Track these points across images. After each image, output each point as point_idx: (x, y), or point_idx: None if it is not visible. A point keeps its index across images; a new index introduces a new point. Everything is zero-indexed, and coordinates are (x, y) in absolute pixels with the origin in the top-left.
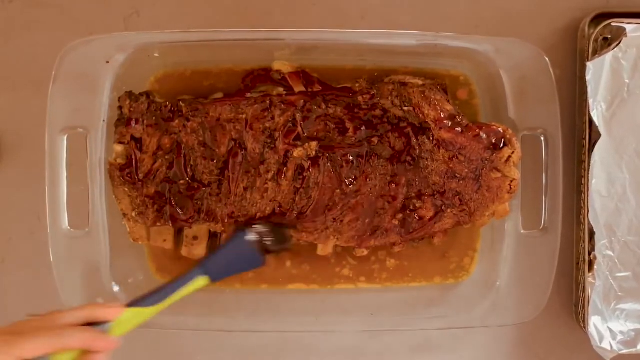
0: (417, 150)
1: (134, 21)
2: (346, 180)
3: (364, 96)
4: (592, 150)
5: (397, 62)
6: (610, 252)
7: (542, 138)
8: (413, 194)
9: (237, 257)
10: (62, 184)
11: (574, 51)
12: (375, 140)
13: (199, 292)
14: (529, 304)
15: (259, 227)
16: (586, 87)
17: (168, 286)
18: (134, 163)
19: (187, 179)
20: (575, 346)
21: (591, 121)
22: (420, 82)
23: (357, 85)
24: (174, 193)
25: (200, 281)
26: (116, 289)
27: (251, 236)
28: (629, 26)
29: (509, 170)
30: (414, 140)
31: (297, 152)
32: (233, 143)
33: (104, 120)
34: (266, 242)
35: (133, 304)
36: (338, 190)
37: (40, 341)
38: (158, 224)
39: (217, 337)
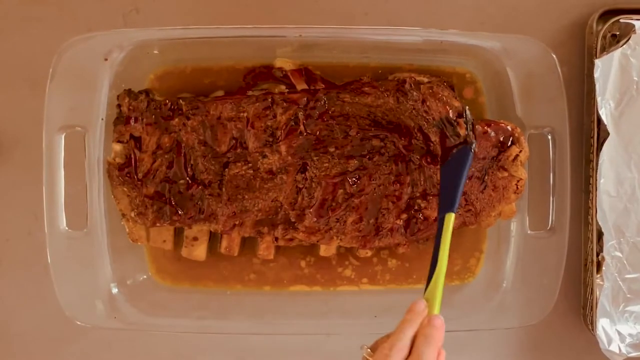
0: (423, 149)
1: (133, 18)
2: (349, 180)
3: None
4: (600, 149)
5: (402, 59)
6: (618, 253)
7: (549, 137)
8: (418, 194)
9: (452, 175)
10: (60, 184)
11: (582, 48)
12: (379, 138)
13: (200, 294)
14: (535, 306)
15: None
16: (594, 85)
17: (434, 252)
18: (133, 162)
19: (187, 178)
20: (583, 349)
21: (599, 119)
22: (426, 80)
23: None
24: (173, 193)
25: (450, 220)
26: (115, 290)
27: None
28: (638, 22)
29: (516, 170)
30: (419, 139)
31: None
32: (234, 142)
33: (102, 119)
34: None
35: (426, 288)
36: (341, 190)
37: None
38: (157, 224)
39: (218, 340)
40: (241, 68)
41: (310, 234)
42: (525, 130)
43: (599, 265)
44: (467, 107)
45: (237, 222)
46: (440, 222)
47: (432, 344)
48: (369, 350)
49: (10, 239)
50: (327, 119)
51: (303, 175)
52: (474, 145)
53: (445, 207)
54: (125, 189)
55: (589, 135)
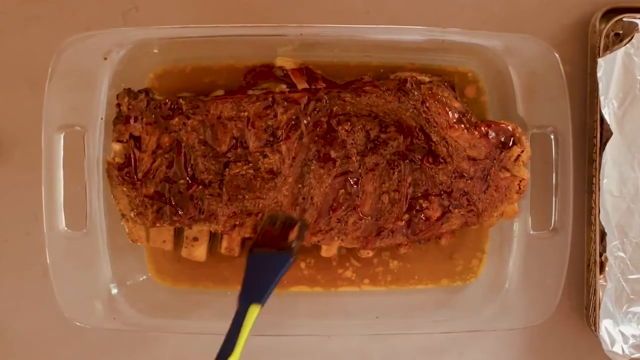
0: (424, 149)
1: (132, 16)
2: (350, 180)
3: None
4: (604, 149)
5: (403, 58)
6: (621, 254)
7: (552, 136)
8: (419, 194)
9: (264, 271)
10: (59, 184)
11: (585, 47)
12: (380, 138)
13: (200, 295)
14: (538, 306)
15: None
16: (597, 84)
17: (228, 337)
18: (132, 162)
19: (187, 178)
20: (586, 350)
21: (602, 119)
22: (427, 79)
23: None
24: (173, 193)
25: (253, 311)
26: (114, 291)
27: (259, 253)
28: None
29: (518, 170)
30: (420, 138)
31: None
32: (234, 141)
33: (101, 118)
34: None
35: None
36: (342, 190)
37: None
38: (157, 224)
39: (218, 341)
40: (241, 67)
41: (311, 234)
42: (527, 129)
43: (602, 266)
44: (304, 223)
45: (237, 223)
46: (243, 310)
47: None
48: None
49: (9, 240)
50: (328, 119)
51: (304, 175)
52: (293, 258)
53: (252, 297)
54: (124, 189)
55: (591, 134)
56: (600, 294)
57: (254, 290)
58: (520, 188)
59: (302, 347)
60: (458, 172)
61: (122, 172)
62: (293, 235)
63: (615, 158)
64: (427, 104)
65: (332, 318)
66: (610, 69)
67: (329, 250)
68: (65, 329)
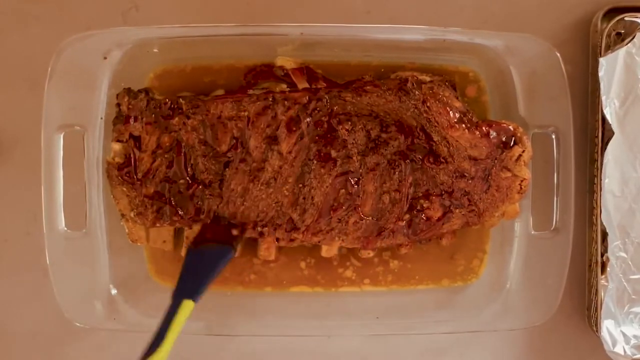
0: (425, 149)
1: (132, 16)
2: (351, 180)
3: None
4: (605, 149)
5: (404, 58)
6: (623, 254)
7: (553, 136)
8: (420, 194)
9: (201, 266)
10: (59, 184)
11: (586, 47)
12: (381, 138)
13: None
14: (539, 307)
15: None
16: (599, 84)
17: (157, 332)
18: (132, 162)
19: (187, 178)
20: (587, 351)
21: (604, 119)
22: (428, 79)
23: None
24: (173, 193)
25: (186, 306)
26: (114, 291)
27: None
28: None
29: (519, 170)
30: (421, 138)
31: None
32: (235, 141)
33: (101, 118)
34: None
35: None
36: (343, 190)
37: None
38: (157, 224)
39: (218, 342)
40: (242, 67)
41: (312, 234)
42: (528, 129)
43: (604, 266)
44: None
45: None
46: (175, 305)
47: None
48: None
49: (8, 240)
50: (328, 118)
51: (304, 175)
52: (232, 253)
53: (186, 292)
54: (124, 189)
55: (593, 134)
56: (602, 294)
57: (189, 286)
58: (521, 188)
59: (302, 347)
60: (459, 172)
61: (122, 172)
62: (236, 230)
63: (616, 158)
64: (428, 104)
65: (332, 318)
66: (612, 69)
67: (329, 251)
68: (64, 329)
